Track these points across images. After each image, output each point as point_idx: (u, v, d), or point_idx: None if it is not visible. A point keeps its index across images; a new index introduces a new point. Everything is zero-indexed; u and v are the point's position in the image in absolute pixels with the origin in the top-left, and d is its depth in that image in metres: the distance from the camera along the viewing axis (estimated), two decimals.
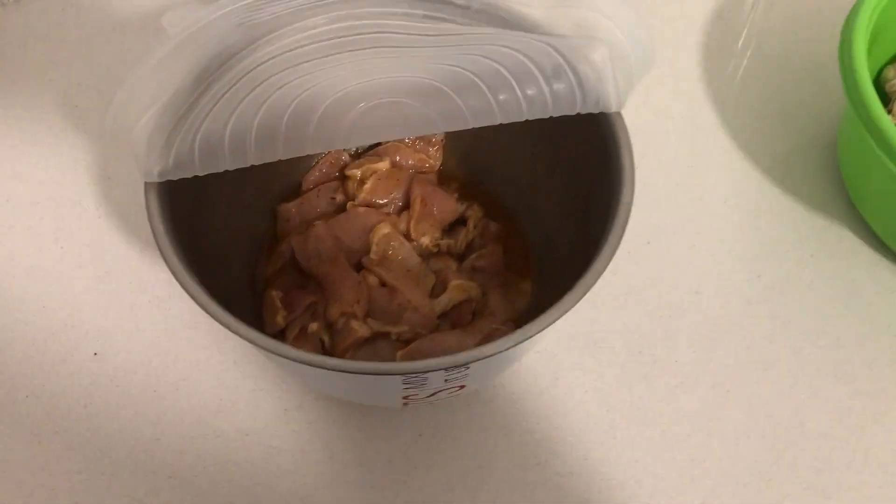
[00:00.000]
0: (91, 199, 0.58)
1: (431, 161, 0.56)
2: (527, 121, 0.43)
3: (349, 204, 0.53)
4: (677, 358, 0.53)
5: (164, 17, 0.42)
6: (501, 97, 0.42)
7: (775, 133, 0.63)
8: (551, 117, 0.43)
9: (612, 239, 0.40)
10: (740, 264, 0.57)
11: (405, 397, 0.42)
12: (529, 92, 0.42)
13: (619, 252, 0.55)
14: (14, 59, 0.65)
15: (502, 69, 0.42)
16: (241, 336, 0.37)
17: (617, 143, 0.44)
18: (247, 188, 0.52)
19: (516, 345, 0.37)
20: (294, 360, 0.37)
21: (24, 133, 0.61)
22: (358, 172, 0.54)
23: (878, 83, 0.62)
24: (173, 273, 0.39)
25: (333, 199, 0.55)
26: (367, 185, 0.53)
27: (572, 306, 0.38)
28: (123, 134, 0.41)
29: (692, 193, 0.60)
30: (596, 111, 0.43)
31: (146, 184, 0.41)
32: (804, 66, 0.66)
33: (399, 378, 0.38)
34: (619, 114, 0.44)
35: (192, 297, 0.38)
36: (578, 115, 0.44)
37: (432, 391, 0.42)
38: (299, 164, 0.56)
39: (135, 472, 0.48)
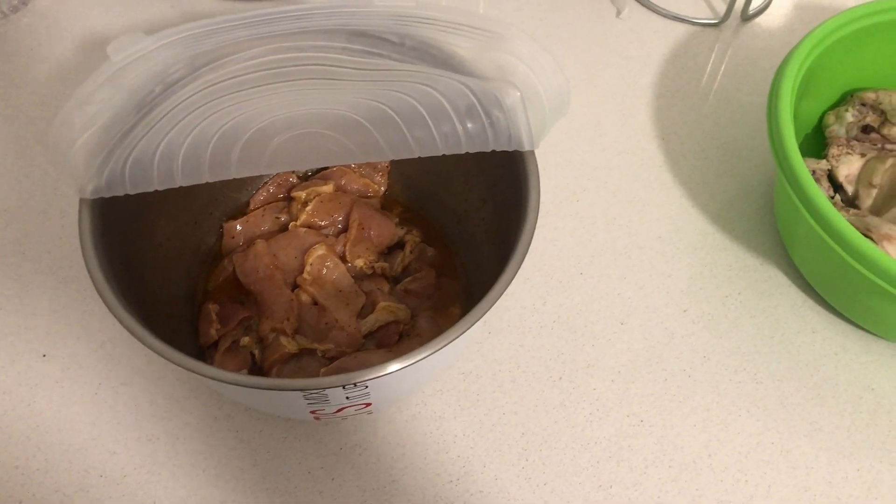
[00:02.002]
0: (56, 208, 0.61)
1: (376, 186, 0.59)
2: (466, 153, 0.46)
3: (291, 224, 0.56)
4: (596, 386, 0.55)
5: (110, 45, 0.45)
6: (417, 133, 0.45)
7: (717, 175, 0.65)
8: (486, 150, 0.46)
9: (506, 273, 0.43)
10: (668, 298, 0.59)
11: (313, 412, 0.45)
12: (444, 129, 0.45)
13: (550, 281, 0.57)
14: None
15: (420, 107, 0.45)
16: (145, 344, 0.40)
17: (527, 177, 0.46)
18: (194, 205, 0.55)
19: (403, 368, 0.40)
20: (187, 368, 0.39)
21: None
22: (303, 194, 0.57)
23: (821, 128, 0.64)
24: (96, 287, 0.42)
25: (278, 218, 0.57)
26: (310, 207, 0.56)
27: (456, 336, 0.40)
28: (63, 151, 0.43)
29: (629, 227, 0.62)
30: (509, 149, 0.46)
31: (80, 200, 0.44)
32: (752, 111, 0.68)
33: (298, 393, 0.41)
34: (531, 152, 0.47)
35: (109, 307, 0.41)
36: (506, 150, 0.46)
37: (338, 407, 0.44)
38: (248, 184, 0.58)
39: (55, 469, 0.51)
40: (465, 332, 0.41)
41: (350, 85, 0.46)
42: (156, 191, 0.44)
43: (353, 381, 0.39)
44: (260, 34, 0.48)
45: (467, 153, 0.46)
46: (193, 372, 0.39)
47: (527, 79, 0.45)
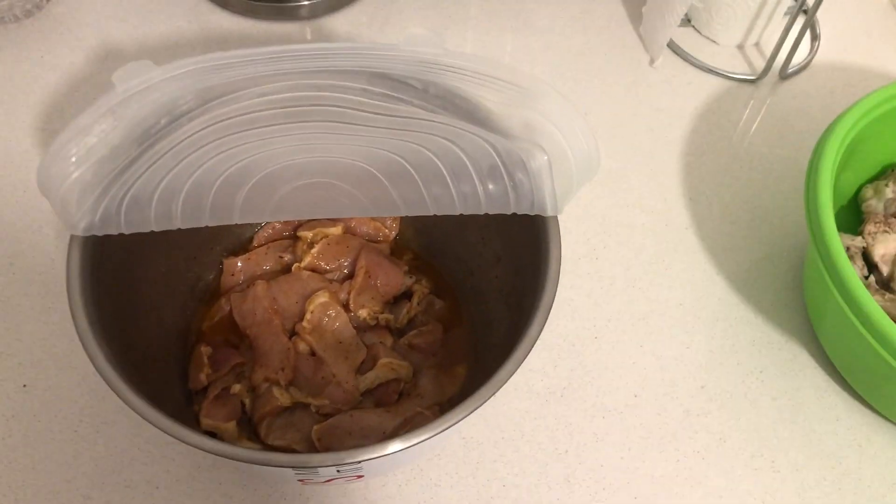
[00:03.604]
0: (52, 226, 0.58)
1: (386, 230, 0.56)
2: None
3: (295, 266, 0.53)
4: (603, 462, 0.52)
5: (115, 73, 0.43)
6: (435, 191, 0.42)
7: (745, 240, 0.62)
8: (506, 213, 0.43)
9: (519, 351, 0.40)
10: (686, 372, 0.55)
11: (301, 480, 0.42)
12: (464, 189, 0.42)
13: (562, 343, 0.54)
14: (3, 77, 0.66)
15: (440, 163, 0.42)
16: (127, 404, 0.37)
17: (547, 245, 0.43)
18: (194, 239, 0.52)
19: (399, 451, 0.37)
20: (166, 431, 0.37)
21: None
22: (309, 235, 0.54)
23: (857, 200, 0.61)
24: (79, 334, 0.39)
25: (282, 258, 0.55)
26: (315, 249, 0.53)
27: (454, 423, 0.37)
28: (55, 184, 0.41)
29: (649, 291, 0.59)
30: (531, 213, 0.43)
31: (71, 236, 0.42)
32: (786, 175, 0.65)
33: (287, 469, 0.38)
34: (554, 218, 0.44)
35: (91, 357, 0.38)
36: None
37: (327, 478, 0.41)
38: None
39: None
40: (471, 413, 0.38)
41: (366, 131, 0.44)
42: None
43: (346, 462, 0.36)
44: (276, 71, 0.45)
45: None
46: (172, 436, 0.36)
47: (555, 140, 0.42)
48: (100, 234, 0.41)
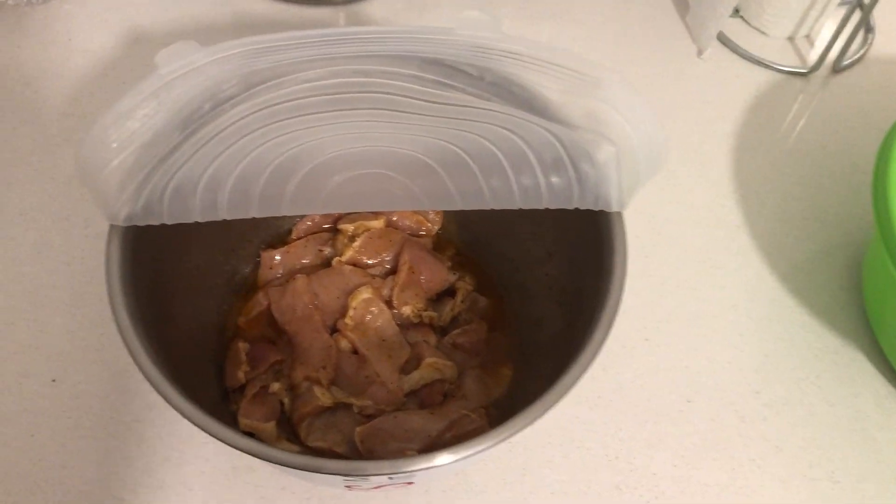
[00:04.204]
0: (80, 216, 0.56)
1: (429, 224, 0.54)
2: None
3: (335, 260, 0.51)
4: (656, 470, 0.49)
5: (159, 54, 0.40)
6: (494, 183, 0.40)
7: (798, 239, 0.59)
8: (568, 208, 0.41)
9: (588, 350, 0.37)
10: (740, 376, 0.53)
11: (348, 486, 0.40)
12: (524, 181, 0.40)
13: (612, 345, 0.52)
14: (27, 63, 0.64)
15: (499, 154, 0.40)
16: (172, 406, 0.35)
17: (611, 243, 0.41)
18: (232, 231, 0.49)
19: (456, 461, 0.35)
20: (222, 440, 0.34)
21: (25, 138, 0.60)
22: (350, 228, 0.52)
23: None
24: (122, 335, 0.37)
25: (321, 251, 0.52)
26: (357, 243, 0.51)
27: (515, 433, 0.35)
28: (95, 171, 0.39)
29: (700, 292, 0.56)
30: (595, 209, 0.41)
31: (111, 226, 0.39)
32: (839, 171, 0.63)
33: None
34: (619, 214, 0.41)
35: (133, 356, 0.36)
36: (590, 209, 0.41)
37: (376, 485, 0.39)
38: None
39: None
40: (537, 419, 0.36)
41: (419, 120, 0.41)
42: None
43: (403, 470, 0.34)
44: (323, 55, 0.43)
45: None
46: (225, 443, 0.34)
47: (622, 132, 0.40)
48: (141, 224, 0.39)
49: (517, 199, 0.40)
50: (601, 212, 0.41)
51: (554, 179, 0.39)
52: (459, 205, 0.40)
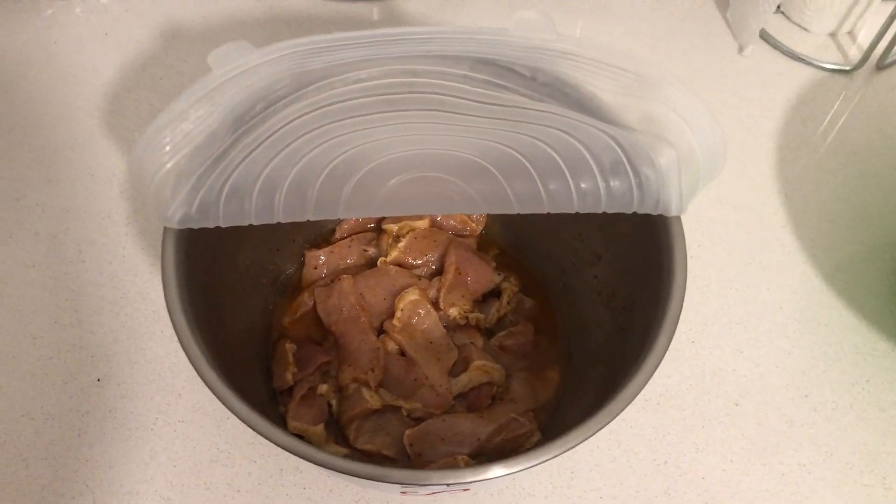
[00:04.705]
0: (121, 213, 0.56)
1: (473, 224, 0.53)
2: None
3: (381, 260, 0.51)
4: (705, 475, 0.49)
5: (211, 55, 0.40)
6: (552, 186, 0.39)
7: (845, 240, 0.58)
8: (627, 212, 0.40)
9: (651, 357, 0.37)
10: (787, 379, 0.52)
11: (403, 492, 0.40)
12: (583, 185, 0.39)
13: None
14: (64, 59, 0.63)
15: (557, 157, 0.39)
16: (230, 409, 0.35)
17: (671, 249, 0.40)
18: (277, 230, 0.49)
19: (520, 470, 0.34)
20: (279, 445, 0.34)
21: (64, 134, 0.59)
22: (395, 228, 0.51)
23: None
24: (176, 331, 0.37)
25: (365, 251, 0.52)
26: (402, 244, 0.50)
27: (577, 444, 0.35)
28: (149, 173, 0.38)
29: (746, 293, 0.56)
30: (654, 213, 0.40)
31: (165, 229, 0.39)
32: (885, 170, 0.62)
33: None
34: (678, 218, 0.41)
35: (191, 358, 0.36)
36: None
37: (432, 492, 0.39)
38: None
39: None
40: (601, 429, 0.35)
41: (473, 122, 0.41)
42: None
43: (460, 481, 0.34)
44: (376, 55, 0.42)
45: None
46: (290, 452, 0.34)
47: (681, 134, 0.39)
48: (196, 226, 0.39)
49: (576, 204, 0.39)
50: (658, 216, 0.41)
51: (614, 183, 0.39)
52: (517, 209, 0.40)
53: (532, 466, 0.35)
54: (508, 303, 0.51)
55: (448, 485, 0.36)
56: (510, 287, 0.52)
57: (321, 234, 0.53)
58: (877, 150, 0.63)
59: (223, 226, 0.39)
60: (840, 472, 0.50)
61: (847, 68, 0.66)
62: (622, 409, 0.36)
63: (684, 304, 0.54)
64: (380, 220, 0.53)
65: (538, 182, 0.39)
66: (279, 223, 0.46)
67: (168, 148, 0.38)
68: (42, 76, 0.62)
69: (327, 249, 0.52)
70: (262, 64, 0.41)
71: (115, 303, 0.52)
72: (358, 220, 0.53)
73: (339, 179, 0.39)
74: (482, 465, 0.35)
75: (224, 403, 0.35)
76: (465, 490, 0.40)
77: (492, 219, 0.54)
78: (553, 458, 0.35)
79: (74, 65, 0.63)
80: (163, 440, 0.48)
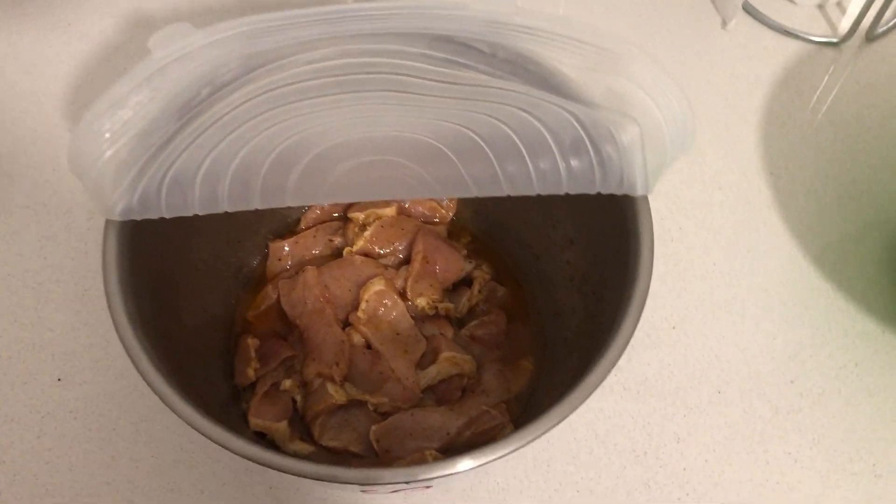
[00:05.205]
0: (83, 208, 0.54)
1: (443, 211, 0.51)
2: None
3: (346, 250, 0.49)
4: (686, 465, 0.47)
5: (152, 38, 0.38)
6: (510, 168, 0.37)
7: (833, 219, 0.56)
8: (590, 193, 0.38)
9: (616, 343, 0.35)
10: (773, 365, 0.50)
11: (364, 491, 0.38)
12: (542, 165, 0.37)
13: (637, 334, 0.49)
14: (26, 49, 0.62)
15: (515, 137, 0.37)
16: (173, 411, 0.33)
17: (637, 229, 0.38)
18: (237, 221, 0.47)
19: (476, 467, 0.32)
20: (223, 445, 0.33)
21: (24, 130, 0.58)
22: (361, 216, 0.50)
23: None
24: (117, 329, 0.35)
25: (331, 241, 0.50)
26: (368, 233, 0.49)
27: (539, 436, 0.33)
28: (88, 163, 0.37)
29: (730, 277, 0.54)
30: (619, 193, 0.38)
31: (107, 221, 0.37)
32: (875, 146, 0.59)
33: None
34: (644, 198, 0.39)
35: (132, 358, 0.34)
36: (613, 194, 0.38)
37: (394, 489, 0.37)
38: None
39: None
40: (561, 421, 0.33)
41: (430, 102, 0.39)
42: None
43: (420, 478, 0.32)
44: (327, 34, 0.41)
45: None
46: (227, 449, 0.32)
47: (647, 110, 0.37)
48: (138, 218, 0.37)
49: (535, 185, 0.37)
50: (625, 196, 0.39)
51: (574, 163, 0.37)
52: (474, 192, 0.38)
53: (489, 462, 0.33)
54: (480, 291, 0.49)
55: (407, 483, 0.35)
56: (482, 275, 0.50)
57: (286, 225, 0.51)
58: (866, 124, 0.61)
59: (167, 216, 0.37)
60: (827, 459, 0.48)
61: (835, 40, 0.64)
62: (586, 398, 0.34)
63: (666, 287, 0.52)
64: (346, 209, 0.51)
65: (495, 163, 0.37)
66: (239, 214, 0.44)
67: (107, 136, 0.37)
68: (2, 68, 0.60)
69: (292, 240, 0.50)
70: (207, 46, 0.39)
71: (78, 300, 0.51)
72: (324, 209, 0.51)
73: (285, 165, 0.37)
74: (437, 462, 0.33)
75: (163, 400, 0.34)
76: (427, 487, 0.38)
77: (463, 205, 0.52)
78: (502, 457, 0.33)
79: (36, 56, 0.61)
80: (125, 440, 0.47)
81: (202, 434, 0.33)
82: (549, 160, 0.37)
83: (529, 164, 0.37)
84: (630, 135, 0.37)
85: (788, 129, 0.60)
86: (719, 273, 0.54)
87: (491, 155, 0.37)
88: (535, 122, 0.37)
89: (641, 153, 0.37)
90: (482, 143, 0.37)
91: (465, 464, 0.33)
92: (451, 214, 0.52)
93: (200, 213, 0.37)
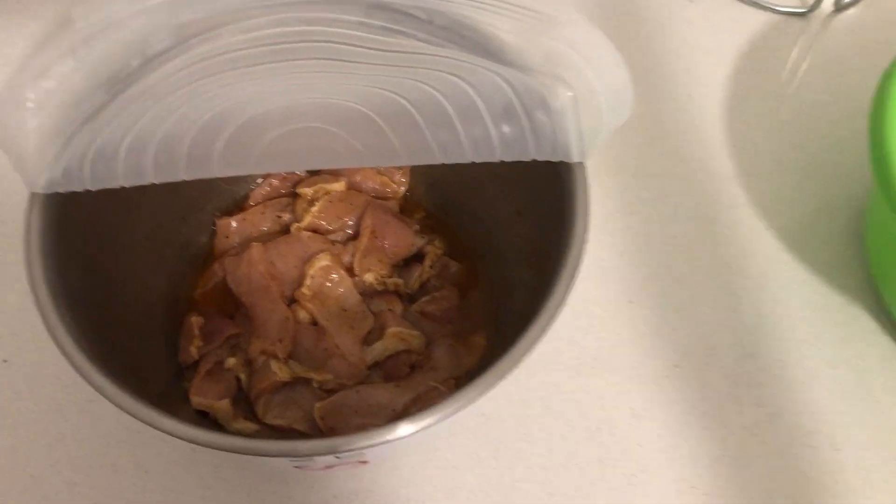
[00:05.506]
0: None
1: (395, 186, 0.50)
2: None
3: (294, 226, 0.48)
4: (641, 441, 0.46)
5: (74, 7, 0.37)
6: (441, 135, 0.36)
7: (797, 191, 0.55)
8: (525, 160, 0.37)
9: (540, 319, 0.34)
10: (732, 339, 0.50)
11: (297, 466, 0.37)
12: (474, 132, 0.36)
13: (593, 308, 0.49)
14: None
15: (446, 103, 0.36)
16: (96, 389, 0.33)
17: (573, 197, 0.37)
18: (180, 196, 0.47)
19: (410, 435, 0.32)
20: (132, 414, 0.32)
21: None
22: (309, 192, 0.49)
23: None
24: (38, 306, 0.34)
25: (280, 217, 0.49)
26: (316, 208, 0.48)
27: (461, 409, 0.32)
28: (10, 134, 0.36)
29: (690, 250, 0.53)
30: (554, 159, 0.37)
31: (31, 194, 0.37)
32: (842, 118, 0.58)
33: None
34: (580, 165, 0.38)
35: (53, 335, 0.34)
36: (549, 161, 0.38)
37: (326, 465, 0.37)
38: (248, 175, 0.50)
39: (4, 500, 0.44)
40: (483, 394, 0.33)
41: (363, 70, 0.38)
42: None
43: (343, 449, 0.31)
44: (262, 3, 0.40)
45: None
46: (136, 418, 0.32)
47: (581, 74, 0.36)
48: (63, 190, 0.36)
49: (467, 152, 0.37)
50: (563, 164, 0.38)
51: (506, 129, 0.36)
52: (405, 160, 0.37)
53: (419, 431, 0.32)
54: (432, 267, 0.49)
55: (336, 455, 0.34)
56: (434, 250, 0.49)
57: (234, 201, 0.50)
58: (834, 96, 0.59)
59: (91, 189, 0.37)
60: (786, 434, 0.47)
61: (803, 10, 0.63)
62: (511, 369, 0.33)
63: (624, 261, 0.51)
64: (295, 184, 0.50)
65: (425, 130, 0.36)
66: (182, 189, 0.43)
67: (31, 106, 0.36)
68: None
69: (239, 217, 0.49)
70: (134, 14, 0.38)
71: (19, 279, 0.50)
72: (272, 185, 0.50)
73: (211, 134, 0.36)
74: (361, 434, 0.32)
75: (81, 375, 0.33)
76: (363, 462, 0.37)
77: (416, 180, 0.51)
78: (431, 425, 0.32)
79: None
80: (70, 421, 0.46)
81: (110, 402, 0.32)
82: (480, 127, 0.36)
83: (461, 131, 0.36)
84: (562, 99, 0.36)
85: (754, 101, 0.59)
86: (678, 246, 0.53)
87: (421, 121, 0.36)
88: (467, 88, 0.36)
89: (575, 118, 0.36)
90: (412, 110, 0.36)
91: (398, 431, 0.32)
92: (403, 189, 0.51)
93: (126, 185, 0.37)
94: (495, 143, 0.36)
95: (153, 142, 0.36)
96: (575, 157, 0.37)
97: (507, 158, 0.37)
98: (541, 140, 0.36)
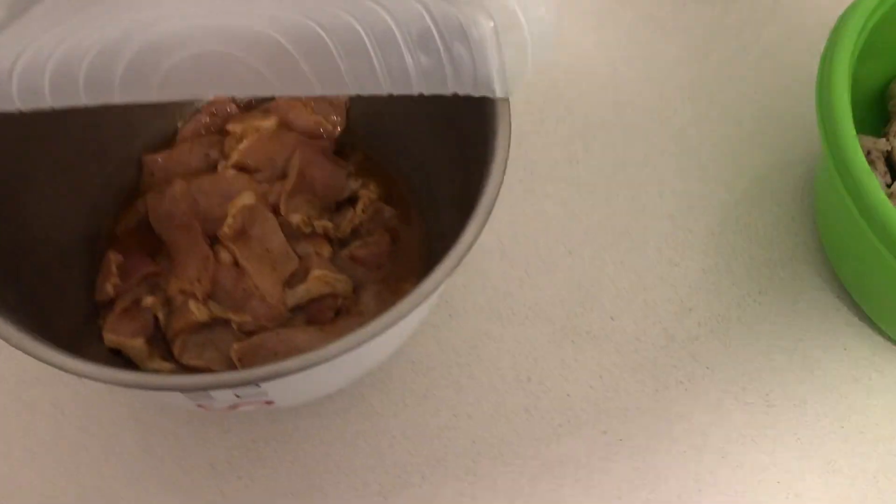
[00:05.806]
0: None
1: (329, 126, 0.49)
2: (422, 94, 0.35)
3: (220, 164, 0.46)
4: (571, 392, 0.45)
5: None
6: (355, 64, 0.34)
7: (750, 145, 0.53)
8: (444, 93, 0.35)
9: (447, 260, 0.33)
10: (672, 293, 0.48)
11: (200, 405, 0.36)
12: (390, 61, 0.34)
13: (531, 258, 0.48)
14: None
15: (361, 30, 0.34)
16: None
17: (494, 133, 0.36)
18: (103, 130, 0.45)
19: (300, 370, 0.30)
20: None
21: None
22: (239, 129, 0.47)
23: (884, 98, 0.53)
24: None
25: (208, 155, 0.48)
26: (243, 145, 0.46)
27: (374, 335, 0.31)
28: None
29: (635, 201, 0.51)
30: (475, 94, 0.35)
31: None
32: (800, 73, 0.56)
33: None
34: (505, 101, 0.36)
35: None
36: (471, 95, 0.36)
37: (229, 405, 0.35)
38: (178, 109, 0.49)
39: None
40: (371, 339, 0.31)
41: None
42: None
43: (235, 382, 0.30)
44: None
45: (432, 95, 0.36)
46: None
47: (503, 5, 0.34)
48: None
49: (383, 84, 0.35)
50: (487, 101, 0.36)
51: (423, 59, 0.34)
52: (318, 90, 0.35)
53: (315, 364, 0.31)
54: (364, 211, 0.47)
55: (236, 393, 0.33)
56: (367, 194, 0.47)
57: (163, 138, 0.49)
58: (792, 48, 0.57)
59: None
60: (721, 389, 0.46)
61: None
62: (409, 311, 0.32)
63: (563, 211, 0.50)
64: (225, 121, 0.48)
65: (338, 59, 0.34)
66: (104, 122, 0.42)
67: None
68: None
69: (165, 153, 0.47)
70: None
71: None
72: (201, 121, 0.49)
73: (111, 57, 0.34)
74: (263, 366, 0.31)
75: None
76: (267, 403, 0.36)
77: (354, 120, 0.50)
78: (333, 357, 0.31)
79: None
80: None
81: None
82: (396, 56, 0.34)
83: (375, 61, 0.34)
84: (482, 30, 0.34)
85: (710, 50, 0.57)
86: (623, 198, 0.51)
87: (334, 50, 0.34)
88: (385, 15, 0.34)
89: (497, 51, 0.34)
90: (325, 37, 0.34)
91: (290, 363, 0.31)
92: (338, 130, 0.49)
93: (23, 108, 0.35)
94: (412, 73, 0.34)
95: (49, 64, 0.34)
96: (499, 93, 0.35)
97: (426, 92, 0.35)
98: (460, 72, 0.34)
